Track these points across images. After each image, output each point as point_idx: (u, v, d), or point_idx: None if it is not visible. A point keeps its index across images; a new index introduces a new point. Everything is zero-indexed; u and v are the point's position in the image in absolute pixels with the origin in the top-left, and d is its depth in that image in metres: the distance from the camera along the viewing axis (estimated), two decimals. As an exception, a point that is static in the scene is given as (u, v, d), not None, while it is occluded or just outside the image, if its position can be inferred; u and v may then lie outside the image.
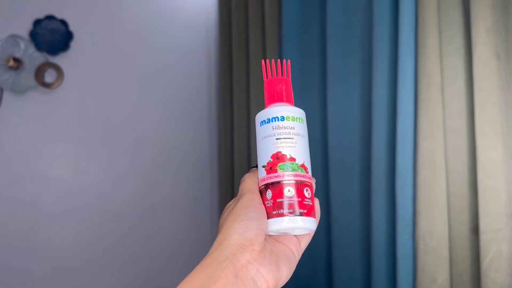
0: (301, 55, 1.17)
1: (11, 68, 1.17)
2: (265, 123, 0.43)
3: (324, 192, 1.12)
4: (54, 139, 1.29)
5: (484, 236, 0.72)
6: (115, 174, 1.38)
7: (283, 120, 0.42)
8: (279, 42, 1.24)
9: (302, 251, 0.43)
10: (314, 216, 0.41)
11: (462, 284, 0.80)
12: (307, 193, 0.41)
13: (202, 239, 1.55)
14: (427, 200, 0.80)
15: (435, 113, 0.80)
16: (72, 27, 1.27)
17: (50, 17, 1.23)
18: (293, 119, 0.42)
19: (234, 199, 0.43)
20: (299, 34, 1.18)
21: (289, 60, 0.46)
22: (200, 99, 1.56)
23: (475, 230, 0.79)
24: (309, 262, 1.16)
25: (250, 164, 1.33)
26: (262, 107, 1.30)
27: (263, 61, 0.46)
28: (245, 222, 0.37)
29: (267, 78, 0.45)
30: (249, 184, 0.42)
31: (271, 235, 0.41)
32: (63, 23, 1.25)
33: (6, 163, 1.23)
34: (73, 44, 1.27)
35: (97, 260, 1.34)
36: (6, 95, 1.21)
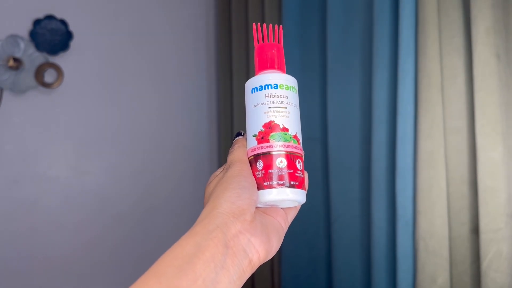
0: (301, 55, 1.17)
1: (11, 68, 1.17)
2: (256, 90, 0.40)
3: (324, 192, 1.12)
4: (54, 139, 1.29)
5: (484, 236, 0.72)
6: (115, 174, 1.38)
7: (277, 88, 0.40)
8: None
9: (289, 224, 0.42)
10: (304, 188, 0.40)
11: (462, 284, 0.80)
12: (298, 165, 0.39)
13: (202, 239, 1.54)
14: (427, 200, 0.80)
15: (435, 113, 0.80)
16: (72, 27, 1.27)
17: (50, 17, 1.23)
18: (287, 87, 0.40)
19: (219, 168, 0.42)
20: (299, 34, 1.18)
21: (281, 26, 0.44)
22: (200, 99, 1.56)
23: (475, 230, 0.79)
24: (309, 262, 1.16)
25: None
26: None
27: (254, 25, 0.43)
28: (236, 191, 0.36)
29: (258, 43, 0.43)
30: (238, 154, 0.40)
31: (259, 207, 0.39)
32: (63, 23, 1.25)
33: (6, 163, 1.23)
34: (73, 44, 1.27)
35: (97, 260, 1.34)
36: (6, 95, 1.21)
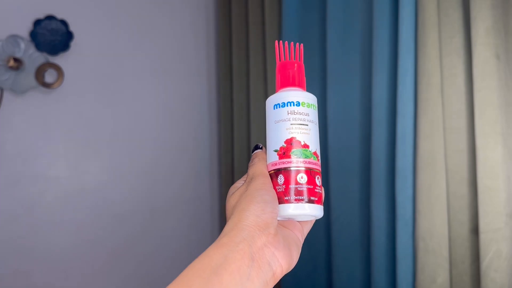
0: (301, 55, 1.17)
1: (11, 68, 1.17)
2: (279, 107, 0.41)
3: (324, 192, 1.12)
4: (54, 139, 1.29)
5: (483, 236, 0.72)
6: (115, 174, 1.38)
7: (299, 105, 0.41)
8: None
9: (305, 237, 0.43)
10: (322, 204, 0.41)
11: (462, 284, 0.80)
12: (318, 181, 0.41)
13: (202, 239, 1.55)
14: (427, 200, 0.80)
15: (435, 113, 0.80)
16: (72, 27, 1.27)
17: (50, 17, 1.23)
18: (308, 105, 0.42)
19: (239, 180, 0.43)
20: (299, 34, 1.18)
21: (302, 44, 0.45)
22: (200, 99, 1.56)
23: (474, 230, 0.79)
24: (309, 262, 1.16)
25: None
26: (262, 106, 1.30)
27: (276, 42, 0.44)
28: (261, 204, 0.37)
29: (279, 60, 0.44)
30: (260, 167, 0.42)
31: (278, 220, 0.41)
32: (63, 23, 1.25)
33: (6, 163, 1.23)
34: (73, 44, 1.27)
35: (97, 260, 1.34)
36: (6, 95, 1.21)
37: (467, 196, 0.79)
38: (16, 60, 1.18)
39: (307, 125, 0.41)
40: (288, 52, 0.44)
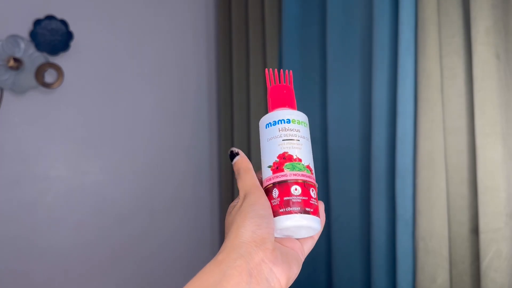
0: (301, 55, 1.17)
1: (11, 68, 1.17)
2: (270, 126, 0.43)
3: (324, 192, 1.12)
4: (54, 139, 1.29)
5: (483, 236, 0.72)
6: (115, 174, 1.38)
7: (289, 122, 0.43)
8: (279, 42, 1.24)
9: (305, 255, 0.43)
10: (319, 216, 0.41)
11: (462, 284, 0.80)
12: (312, 193, 0.41)
13: (202, 239, 1.55)
14: (427, 200, 0.80)
15: (435, 113, 0.80)
16: (72, 27, 1.27)
17: (50, 17, 1.23)
18: (299, 122, 0.43)
19: (236, 199, 0.43)
20: (299, 34, 1.18)
21: (291, 71, 0.47)
22: (200, 99, 1.56)
23: (474, 230, 0.79)
24: (309, 262, 1.16)
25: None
26: (262, 106, 1.30)
27: (266, 70, 0.47)
28: (254, 220, 0.37)
29: (270, 85, 0.46)
30: (249, 180, 0.41)
31: (276, 239, 0.41)
32: (63, 23, 1.25)
33: (6, 163, 1.23)
34: (73, 44, 1.27)
35: (97, 260, 1.34)
36: (6, 95, 1.21)
37: (467, 196, 0.79)
38: (16, 60, 1.18)
39: (299, 140, 0.42)
40: (278, 77, 0.46)
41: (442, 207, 0.79)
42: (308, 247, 0.43)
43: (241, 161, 0.43)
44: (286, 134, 0.42)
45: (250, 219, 0.37)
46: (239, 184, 0.42)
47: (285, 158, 0.41)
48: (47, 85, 1.23)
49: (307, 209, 0.40)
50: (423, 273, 0.80)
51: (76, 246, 1.31)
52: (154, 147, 1.45)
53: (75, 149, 1.32)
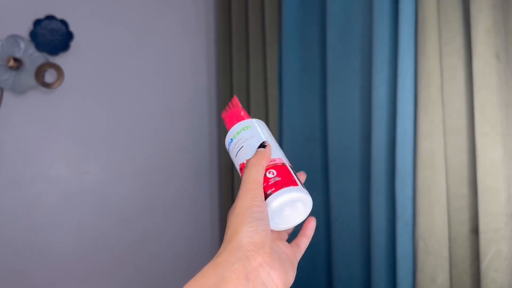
0: (301, 55, 1.17)
1: (11, 68, 1.17)
2: (228, 148, 0.50)
3: (324, 192, 1.12)
4: (54, 139, 1.29)
5: (483, 236, 0.72)
6: (115, 174, 1.38)
7: (231, 141, 0.49)
8: (279, 42, 1.24)
9: (298, 259, 0.44)
10: (294, 184, 0.42)
11: (462, 284, 0.80)
12: (270, 174, 0.43)
13: (202, 239, 1.55)
14: (427, 200, 0.80)
15: (435, 113, 0.80)
16: (72, 27, 1.27)
17: (50, 17, 1.23)
18: (237, 133, 0.49)
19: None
20: (299, 34, 1.18)
21: (235, 96, 0.54)
22: (200, 99, 1.56)
23: (474, 230, 0.79)
24: (309, 262, 1.16)
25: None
26: (262, 106, 1.30)
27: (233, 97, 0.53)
28: (252, 224, 0.37)
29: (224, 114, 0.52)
30: (253, 175, 0.41)
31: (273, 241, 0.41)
32: (63, 23, 1.25)
33: (6, 163, 1.23)
34: (73, 44, 1.27)
35: (97, 260, 1.34)
36: (6, 95, 1.21)
37: (467, 196, 0.79)
38: (16, 60, 1.18)
39: (242, 146, 0.47)
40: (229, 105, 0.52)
41: (442, 207, 0.79)
42: (300, 252, 0.44)
43: (262, 152, 0.43)
44: (234, 148, 0.48)
45: (248, 224, 0.37)
46: (243, 176, 0.42)
47: (242, 168, 0.46)
48: (47, 85, 1.23)
49: (288, 183, 0.41)
50: (423, 273, 0.80)
51: (76, 246, 1.31)
52: (154, 147, 1.45)
53: (75, 149, 1.32)
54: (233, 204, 0.42)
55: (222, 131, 1.51)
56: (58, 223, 1.29)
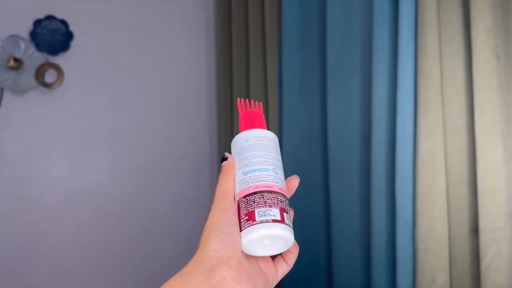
0: (301, 55, 1.17)
1: (11, 68, 1.17)
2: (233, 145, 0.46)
3: (324, 192, 1.12)
4: (55, 139, 1.29)
5: (483, 236, 0.72)
6: (115, 174, 1.38)
7: (239, 142, 0.45)
8: (279, 42, 1.24)
9: (278, 280, 0.43)
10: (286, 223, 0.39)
11: (462, 284, 0.80)
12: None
13: (202, 239, 1.54)
14: (427, 200, 0.80)
15: (435, 113, 0.80)
16: (72, 27, 1.27)
17: (50, 17, 1.23)
18: (246, 141, 0.45)
19: None
20: (299, 34, 1.18)
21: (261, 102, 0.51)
22: (200, 99, 1.56)
23: (474, 230, 0.79)
24: (309, 262, 1.16)
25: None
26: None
27: (238, 99, 0.49)
28: (220, 239, 0.37)
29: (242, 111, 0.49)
30: (223, 186, 0.41)
31: (250, 257, 0.40)
32: (63, 23, 1.25)
33: (6, 163, 1.23)
34: (73, 44, 1.27)
35: (98, 259, 1.34)
36: (6, 95, 1.21)
37: (467, 196, 0.79)
38: (16, 60, 1.18)
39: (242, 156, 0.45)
40: (249, 105, 0.48)
41: (442, 207, 0.79)
42: (283, 272, 0.43)
43: (226, 166, 0.43)
44: (236, 150, 0.45)
45: (215, 238, 0.37)
46: (216, 188, 0.42)
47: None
48: (47, 85, 1.23)
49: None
50: (423, 273, 0.80)
51: (76, 246, 1.31)
52: (154, 147, 1.45)
53: (75, 149, 1.32)
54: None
55: (222, 131, 1.51)
56: (58, 223, 1.29)
